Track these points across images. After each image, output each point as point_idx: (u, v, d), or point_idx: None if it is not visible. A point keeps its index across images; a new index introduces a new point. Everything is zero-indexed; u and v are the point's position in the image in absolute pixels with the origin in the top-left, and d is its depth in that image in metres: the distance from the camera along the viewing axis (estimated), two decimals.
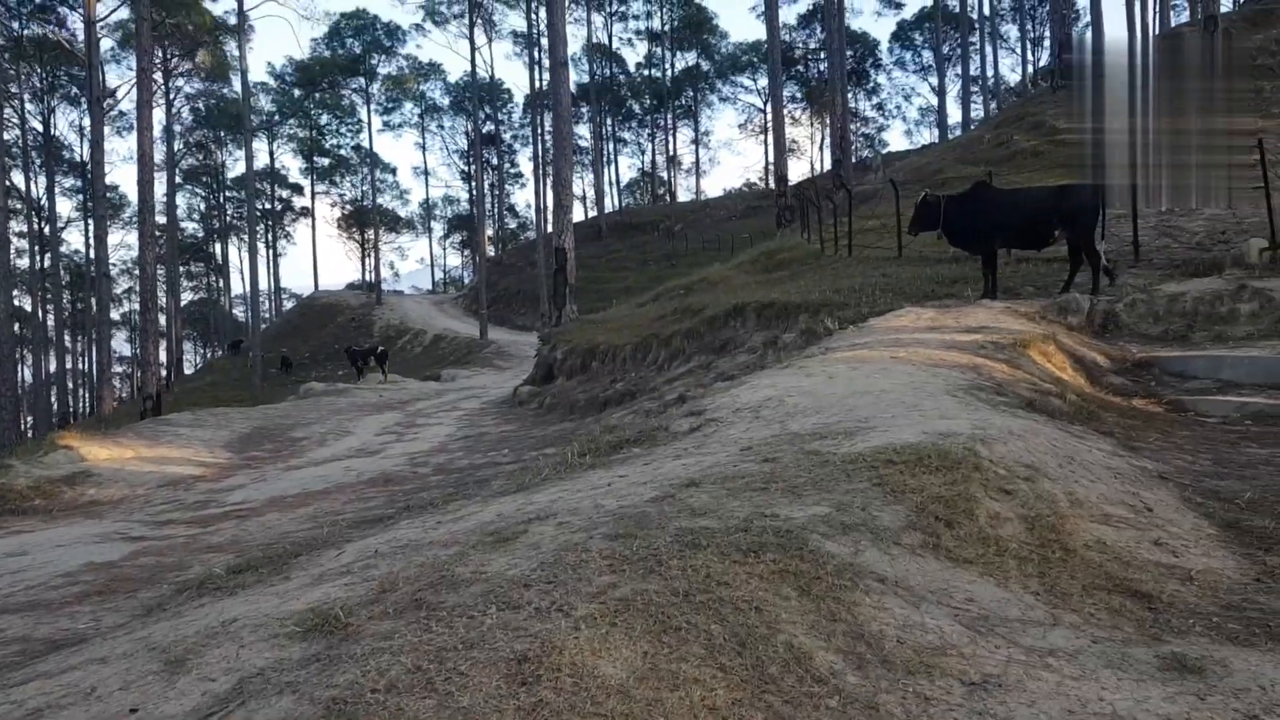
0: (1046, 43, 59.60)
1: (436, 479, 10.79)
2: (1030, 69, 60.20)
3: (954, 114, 63.09)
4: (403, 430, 16.88)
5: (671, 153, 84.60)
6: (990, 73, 62.57)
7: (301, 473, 12.37)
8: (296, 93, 74.47)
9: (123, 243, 69.11)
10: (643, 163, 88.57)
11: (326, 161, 79.21)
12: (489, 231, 77.06)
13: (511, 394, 20.54)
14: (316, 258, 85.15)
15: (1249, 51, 26.06)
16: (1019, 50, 66.43)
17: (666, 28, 79.23)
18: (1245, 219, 13.84)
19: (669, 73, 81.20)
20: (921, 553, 3.81)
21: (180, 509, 10.49)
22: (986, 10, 62.24)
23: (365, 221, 77.79)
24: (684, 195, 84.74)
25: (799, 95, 77.40)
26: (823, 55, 66.39)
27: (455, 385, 30.72)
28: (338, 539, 5.54)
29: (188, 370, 74.92)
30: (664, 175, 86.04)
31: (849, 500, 4.18)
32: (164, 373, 46.84)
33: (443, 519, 4.98)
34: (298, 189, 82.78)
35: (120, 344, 73.06)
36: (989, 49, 62.37)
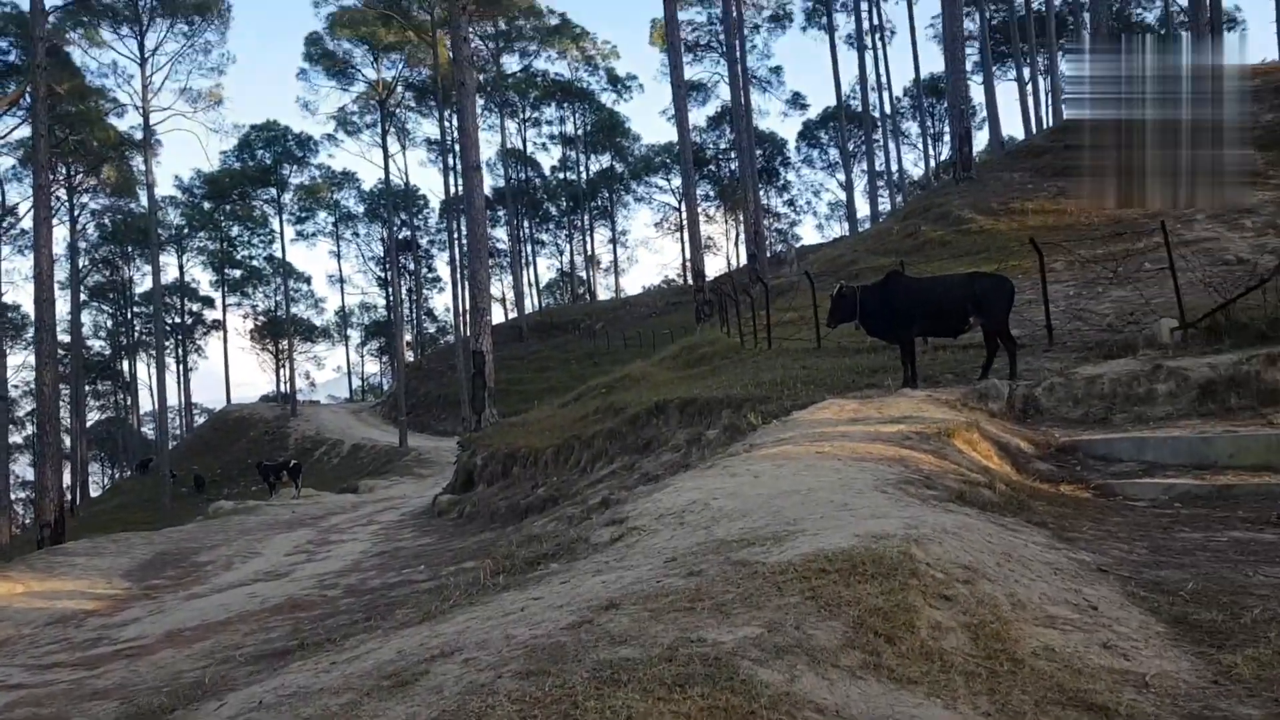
0: (946, 137, 61.92)
1: (346, 602, 10.18)
2: (932, 162, 62.42)
3: (862, 207, 65.02)
4: (314, 549, 16.12)
5: (590, 252, 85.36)
6: (895, 167, 64.74)
7: (203, 601, 11.62)
8: (206, 205, 73.65)
9: (25, 363, 66.77)
10: (562, 263, 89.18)
11: (238, 273, 78.11)
12: (408, 337, 76.37)
13: (431, 503, 19.89)
14: (229, 371, 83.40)
15: None
16: (920, 145, 68.92)
17: (580, 132, 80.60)
18: (1151, 299, 14.12)
19: (584, 175, 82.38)
20: (863, 674, 3.49)
21: (68, 649, 9.71)
22: (888, 109, 64.59)
23: (279, 332, 76.47)
24: (604, 294, 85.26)
25: (712, 194, 79.02)
26: (733, 155, 68.02)
27: (373, 496, 29.82)
28: (221, 686, 5.01)
29: (95, 492, 71.99)
30: (583, 274, 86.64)
31: (781, 618, 3.86)
32: (68, 497, 44.83)
33: (338, 658, 4.52)
34: (209, 302, 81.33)
35: (24, 468, 70.13)
36: (892, 145, 64.63)
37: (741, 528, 5.81)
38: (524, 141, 79.11)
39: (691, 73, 63.35)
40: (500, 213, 76.36)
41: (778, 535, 5.34)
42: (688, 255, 60.46)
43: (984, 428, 9.13)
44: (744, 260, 52.52)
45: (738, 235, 77.69)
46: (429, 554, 13.45)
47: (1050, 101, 50.01)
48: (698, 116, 73.75)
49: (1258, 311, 10.58)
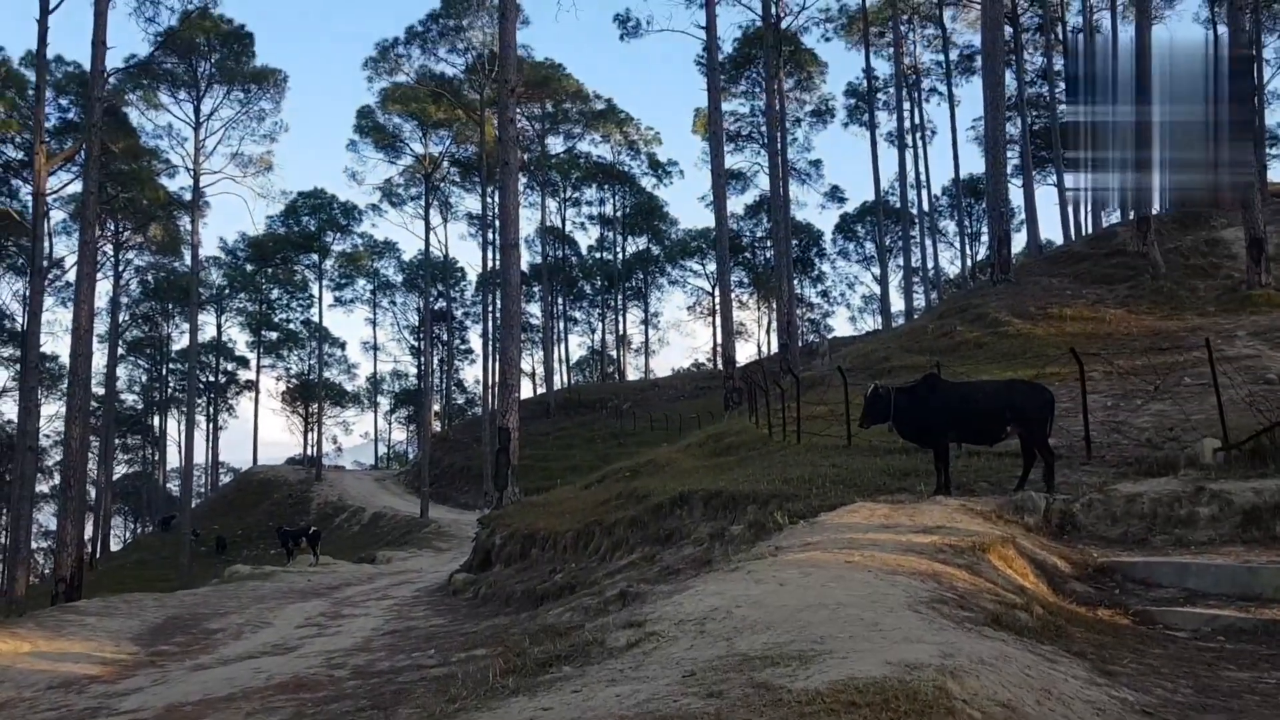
0: (983, 238, 62.01)
1: (353, 685, 9.90)
2: (969, 262, 62.43)
3: (897, 302, 64.88)
4: (326, 622, 15.84)
5: (621, 332, 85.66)
6: (930, 264, 64.76)
7: (208, 673, 11.37)
8: (249, 267, 74.78)
9: (57, 413, 67.42)
10: (593, 341, 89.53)
11: (275, 335, 78.97)
12: (436, 407, 76.51)
13: (447, 581, 19.59)
14: (258, 431, 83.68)
15: (1180, 250, 27.08)
16: (957, 244, 69.02)
17: (618, 213, 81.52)
18: (1191, 415, 13.80)
19: (620, 255, 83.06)
20: None
21: (67, 717, 9.48)
22: (925, 206, 64.89)
23: (310, 395, 76.90)
24: (633, 374, 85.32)
25: (746, 280, 79.33)
26: (769, 244, 68.44)
27: (390, 568, 29.51)
28: None
29: (115, 545, 71.98)
30: (613, 354, 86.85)
31: None
32: (88, 549, 44.76)
33: None
34: (243, 362, 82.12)
35: (47, 516, 70.30)
36: (929, 242, 64.74)
37: (765, 642, 5.56)
38: (563, 220, 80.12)
39: (731, 161, 64.17)
40: (535, 289, 76.97)
41: (804, 655, 5.09)
42: (719, 340, 60.54)
43: (1020, 543, 8.82)
44: (775, 348, 52.46)
45: (770, 323, 77.79)
46: (441, 636, 13.15)
47: (1090, 209, 50.09)
48: (736, 204, 74.50)
49: None
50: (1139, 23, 28.74)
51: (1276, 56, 51.56)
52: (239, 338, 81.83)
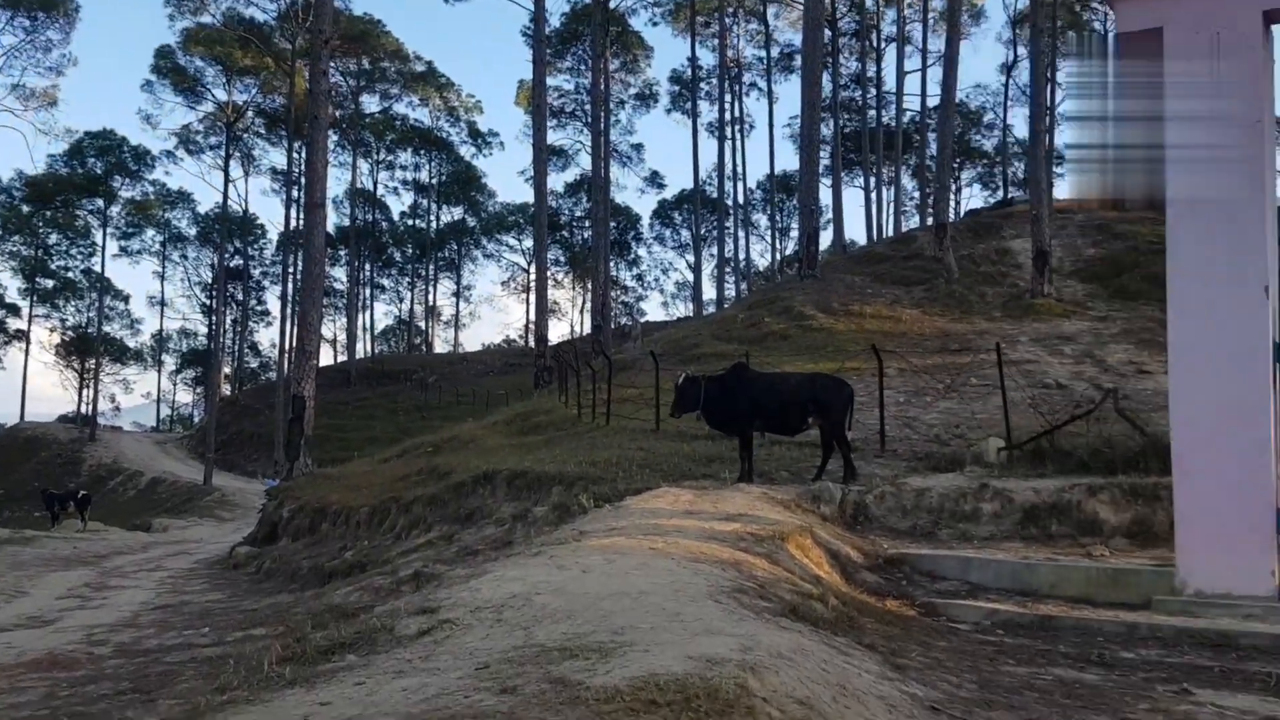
0: (793, 233, 63.98)
1: (114, 664, 9.11)
2: (779, 256, 64.33)
3: (708, 291, 66.10)
4: (91, 593, 14.66)
5: (431, 303, 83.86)
6: (743, 256, 66.30)
7: None
8: (25, 208, 68.82)
9: None
10: (400, 311, 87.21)
11: (51, 283, 73.05)
12: (226, 369, 72.79)
13: (228, 553, 18.52)
14: (26, 385, 77.16)
15: (972, 257, 28.63)
16: (768, 238, 70.96)
17: (434, 181, 79.59)
18: (977, 414, 14.52)
19: (434, 224, 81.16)
20: None
21: None
22: (741, 199, 66.38)
23: (88, 350, 71.62)
24: (441, 347, 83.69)
25: (563, 259, 79.08)
26: (588, 224, 68.43)
27: (167, 537, 27.78)
28: None
29: None
30: (422, 325, 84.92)
31: None
32: None
33: None
34: (14, 310, 75.56)
35: None
36: (742, 234, 66.27)
37: (565, 632, 5.34)
38: (375, 183, 77.61)
39: (554, 138, 63.72)
40: (341, 252, 74.29)
41: (604, 647, 4.91)
42: (532, 317, 60.13)
43: (816, 533, 8.98)
44: (588, 329, 52.52)
45: (584, 303, 77.96)
46: (217, 612, 12.35)
47: (893, 211, 52.56)
48: (556, 181, 74.09)
49: (1080, 440, 10.91)
50: (949, 35, 30.14)
51: (1068, 80, 55.32)
52: (10, 284, 75.30)
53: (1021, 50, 47.25)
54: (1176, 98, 7.87)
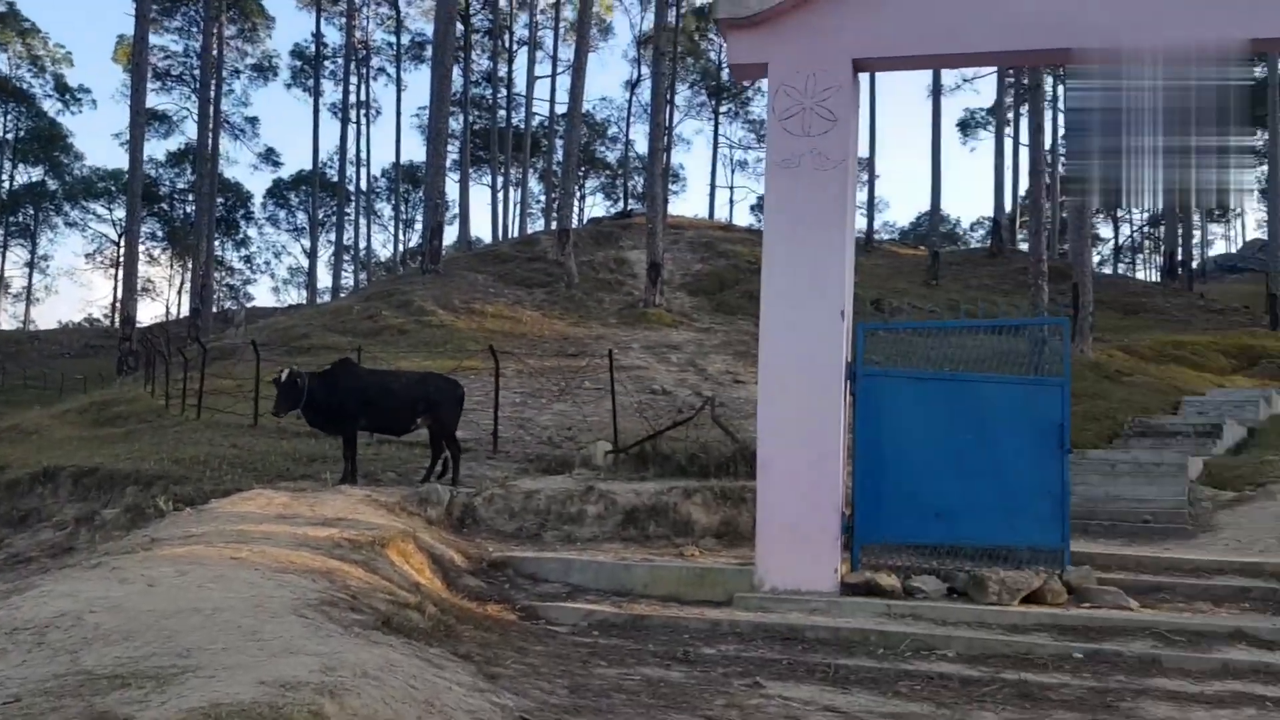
0: (418, 226, 63.06)
1: None
2: (402, 248, 63.09)
3: (324, 279, 63.39)
4: None
5: None
6: (364, 245, 64.31)
7: None
8: None
9: None
10: None
11: None
12: None
13: None
14: None
15: (593, 264, 29.61)
16: (392, 229, 69.38)
17: (9, 136, 69.99)
18: (589, 417, 14.90)
19: (7, 185, 71.33)
20: None
21: None
22: (364, 185, 64.34)
23: None
24: (9, 323, 73.60)
25: (160, 234, 72.33)
26: (191, 197, 63.18)
27: None
28: None
29: None
30: None
31: None
32: None
33: None
34: None
35: None
36: (364, 222, 64.23)
37: (120, 657, 4.69)
38: None
39: (157, 101, 58.27)
40: None
41: (164, 673, 4.35)
42: (119, 296, 54.53)
43: (420, 537, 8.71)
44: (186, 312, 48.50)
45: (183, 284, 71.86)
46: None
47: (519, 213, 53.29)
48: (157, 149, 67.89)
49: (680, 444, 11.48)
50: (578, 46, 31.01)
51: (685, 103, 59.02)
52: None
53: (645, 70, 49.74)
54: (776, 131, 8.46)
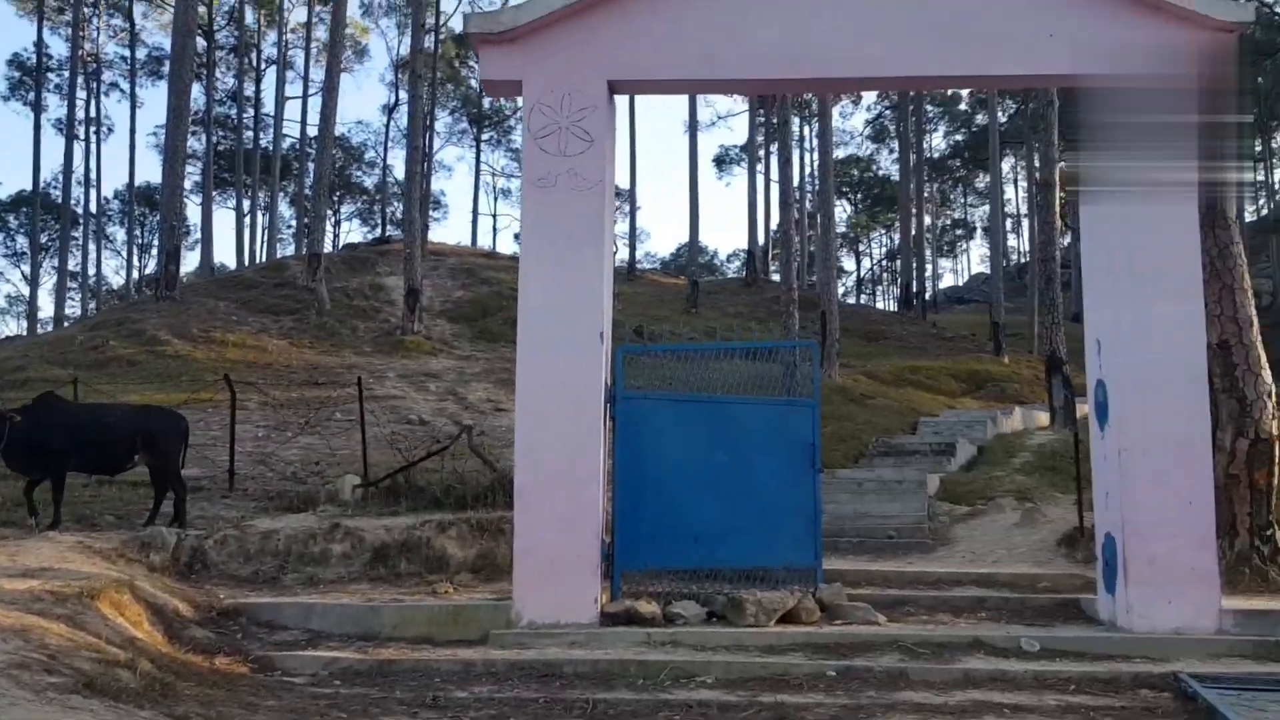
0: (155, 251, 58.89)
1: None
2: (137, 274, 58.65)
3: (47, 308, 57.93)
4: None
5: None
6: (94, 271, 59.30)
7: None
8: None
9: None
10: None
11: None
12: None
13: None
14: None
15: (346, 291, 28.45)
16: (125, 254, 64.40)
17: None
18: (338, 450, 14.12)
19: None
20: None
21: None
22: (94, 208, 59.43)
23: None
24: None
25: None
26: None
27: None
28: None
29: None
30: None
31: None
32: None
33: None
34: None
35: None
36: (93, 246, 59.20)
37: None
38: None
39: None
40: None
41: None
42: None
43: (140, 586, 7.82)
44: None
45: None
46: None
47: (267, 238, 50.62)
48: None
49: (435, 476, 10.99)
50: (330, 66, 29.92)
51: (447, 129, 58.14)
52: None
53: (404, 94, 48.65)
54: (532, 150, 8.23)
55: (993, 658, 6.92)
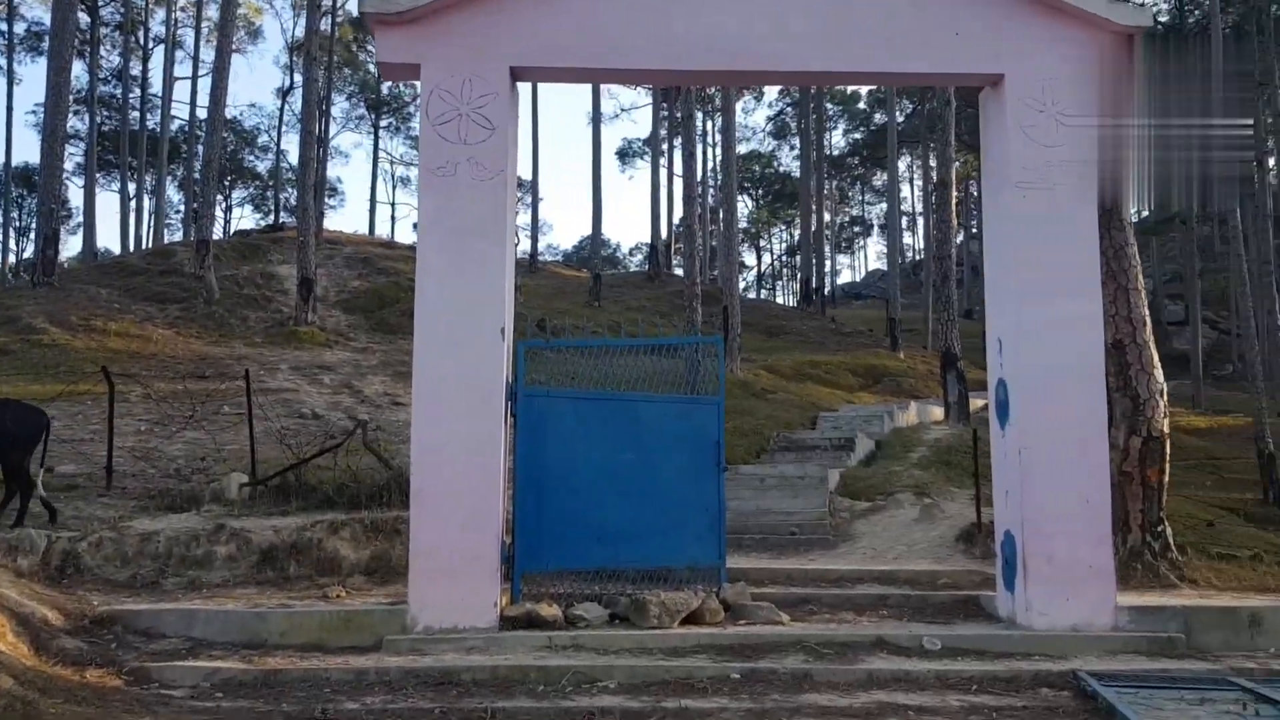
0: (33, 235, 56.15)
1: None
2: (13, 259, 55.84)
3: None
4: None
5: None
6: None
7: None
8: None
9: None
10: None
11: None
12: None
13: None
14: None
15: (237, 279, 27.45)
16: (0, 237, 61.33)
17: None
18: (225, 446, 13.53)
19: None
20: None
21: None
22: None
23: None
24: None
25: None
26: None
27: None
28: None
29: None
30: None
31: None
32: None
33: None
34: None
35: None
36: None
37: None
38: None
39: None
40: None
41: None
42: None
43: (3, 593, 7.32)
44: None
45: None
46: None
47: (154, 223, 48.62)
48: None
49: (328, 474, 10.58)
50: (220, 46, 28.77)
51: (344, 115, 56.67)
52: None
53: (299, 77, 47.17)
54: (431, 137, 7.93)
55: (896, 657, 6.91)
